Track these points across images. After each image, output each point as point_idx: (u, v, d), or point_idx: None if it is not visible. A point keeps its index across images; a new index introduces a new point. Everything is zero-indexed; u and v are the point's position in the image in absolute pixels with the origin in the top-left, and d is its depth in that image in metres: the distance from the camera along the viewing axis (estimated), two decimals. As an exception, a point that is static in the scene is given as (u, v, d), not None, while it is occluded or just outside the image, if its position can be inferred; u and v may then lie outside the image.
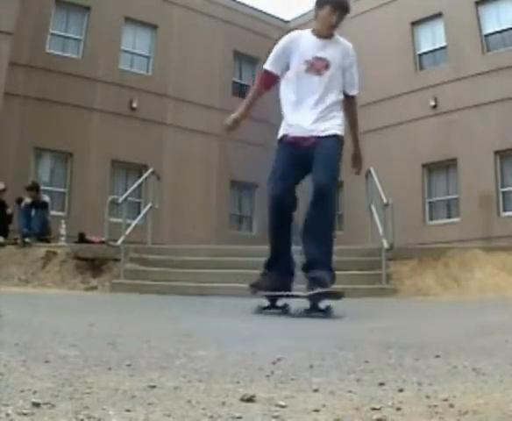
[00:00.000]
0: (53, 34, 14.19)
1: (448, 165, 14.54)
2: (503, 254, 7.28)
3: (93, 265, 7.70)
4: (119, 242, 7.59)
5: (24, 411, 1.27)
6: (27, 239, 8.88)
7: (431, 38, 15.39)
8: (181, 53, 16.08)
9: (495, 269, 6.94)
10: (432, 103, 14.64)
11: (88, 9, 14.58)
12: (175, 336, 2.94)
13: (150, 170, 9.71)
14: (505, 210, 13.47)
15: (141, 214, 9.91)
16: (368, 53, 16.07)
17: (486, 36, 14.09)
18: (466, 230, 13.18)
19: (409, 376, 1.85)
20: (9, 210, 10.13)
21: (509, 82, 13.06)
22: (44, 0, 14.00)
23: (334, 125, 4.00)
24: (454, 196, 14.43)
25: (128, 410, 1.33)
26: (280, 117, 4.31)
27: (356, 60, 4.14)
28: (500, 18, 13.98)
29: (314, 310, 3.88)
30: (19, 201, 10.10)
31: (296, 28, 18.56)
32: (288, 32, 17.71)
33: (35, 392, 1.46)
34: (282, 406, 1.42)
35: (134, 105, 14.93)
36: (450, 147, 14.16)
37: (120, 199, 8.49)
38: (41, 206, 10.14)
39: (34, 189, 10.29)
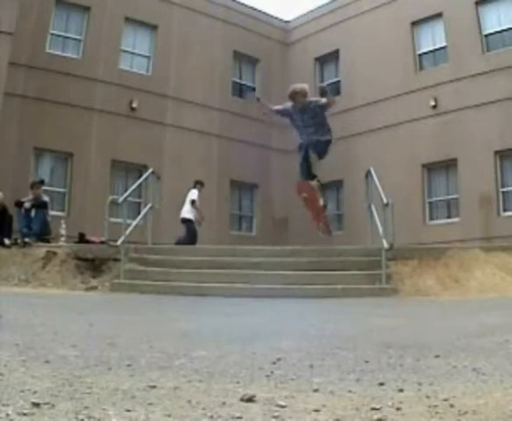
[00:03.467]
0: (53, 34, 14.17)
1: (448, 165, 14.53)
2: (503, 254, 7.28)
3: (93, 265, 7.69)
4: (119, 242, 7.59)
5: (24, 411, 1.27)
6: (27, 239, 8.88)
7: (431, 38, 15.38)
8: (181, 53, 16.07)
9: (495, 269, 6.94)
10: (432, 104, 14.64)
11: (88, 9, 14.57)
12: (175, 336, 2.94)
13: (150, 170, 9.71)
14: (505, 210, 13.46)
15: (141, 214, 9.91)
16: (368, 53, 16.10)
17: (486, 36, 14.08)
18: (466, 230, 13.17)
19: (409, 376, 1.85)
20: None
21: (509, 82, 13.06)
22: (44, 0, 13.99)
23: None
24: (454, 196, 14.41)
25: (128, 410, 1.33)
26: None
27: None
28: (500, 18, 13.97)
29: None
30: (18, 203, 10.11)
31: (296, 28, 18.35)
32: (288, 32, 17.51)
33: (35, 392, 1.46)
34: (282, 406, 1.43)
35: (134, 105, 14.92)
36: (450, 147, 14.15)
37: (120, 199, 8.48)
38: (41, 206, 10.15)
39: (38, 186, 10.36)
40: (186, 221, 11.35)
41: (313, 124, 7.52)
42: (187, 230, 11.28)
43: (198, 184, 11.81)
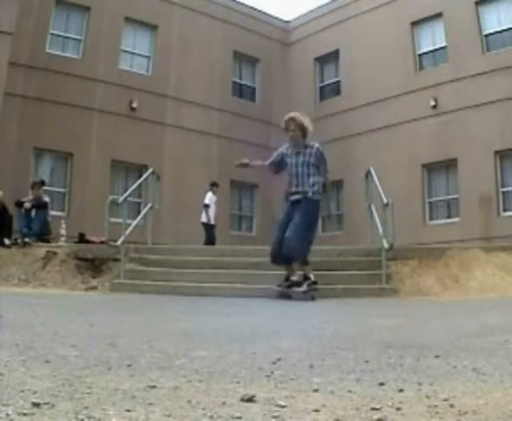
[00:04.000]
0: (53, 34, 14.18)
1: (448, 165, 14.54)
2: (503, 254, 7.27)
3: (93, 265, 7.69)
4: (119, 242, 7.58)
5: (24, 411, 1.27)
6: (27, 239, 8.88)
7: (431, 38, 15.39)
8: (181, 53, 16.08)
9: (495, 269, 6.94)
10: (432, 104, 14.65)
11: (88, 9, 14.58)
12: (175, 336, 2.94)
13: (150, 170, 9.71)
14: (505, 210, 13.47)
15: (141, 214, 9.91)
16: (368, 53, 16.10)
17: (486, 36, 14.09)
18: (466, 230, 13.18)
19: (409, 376, 1.85)
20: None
21: (509, 82, 13.06)
22: (44, 0, 14.00)
23: None
24: (454, 196, 14.43)
25: (128, 410, 1.33)
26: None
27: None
28: (500, 18, 13.98)
29: None
30: (18, 203, 10.11)
31: (296, 28, 18.38)
32: (288, 32, 17.49)
33: (35, 392, 1.46)
34: (282, 406, 1.43)
35: (134, 105, 14.93)
36: (450, 147, 14.16)
37: (120, 199, 8.48)
38: (41, 206, 10.16)
39: (38, 186, 10.38)
40: (203, 224, 12.54)
41: (307, 168, 6.34)
42: (205, 232, 12.43)
43: (214, 186, 12.77)
